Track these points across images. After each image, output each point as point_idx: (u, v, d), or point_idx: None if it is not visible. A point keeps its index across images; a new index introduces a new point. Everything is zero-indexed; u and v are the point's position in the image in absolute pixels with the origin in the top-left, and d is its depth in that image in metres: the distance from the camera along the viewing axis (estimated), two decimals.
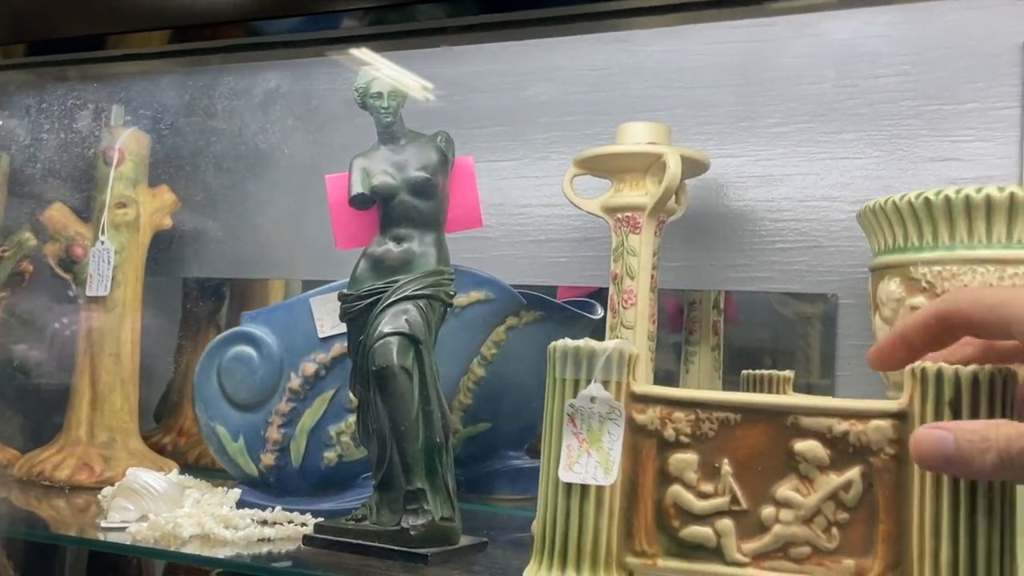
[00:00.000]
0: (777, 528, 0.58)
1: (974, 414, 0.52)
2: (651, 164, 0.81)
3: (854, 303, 0.87)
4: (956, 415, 0.53)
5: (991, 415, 0.52)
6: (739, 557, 0.59)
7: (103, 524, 0.76)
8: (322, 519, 0.81)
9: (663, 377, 0.99)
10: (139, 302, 1.04)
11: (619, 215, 0.83)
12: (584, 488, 0.61)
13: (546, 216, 1.03)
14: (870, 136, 0.87)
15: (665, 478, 0.61)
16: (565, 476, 0.62)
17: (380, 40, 0.92)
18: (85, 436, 0.99)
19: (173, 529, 0.72)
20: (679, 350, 1.02)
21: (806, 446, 0.58)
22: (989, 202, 0.64)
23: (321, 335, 0.85)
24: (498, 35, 0.95)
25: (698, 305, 1.01)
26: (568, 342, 0.66)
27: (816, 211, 0.89)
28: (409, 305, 0.68)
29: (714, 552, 0.59)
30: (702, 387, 0.98)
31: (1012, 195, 0.64)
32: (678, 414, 0.61)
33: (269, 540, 0.75)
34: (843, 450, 0.56)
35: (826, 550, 0.57)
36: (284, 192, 1.18)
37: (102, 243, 1.02)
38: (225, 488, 0.85)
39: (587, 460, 0.62)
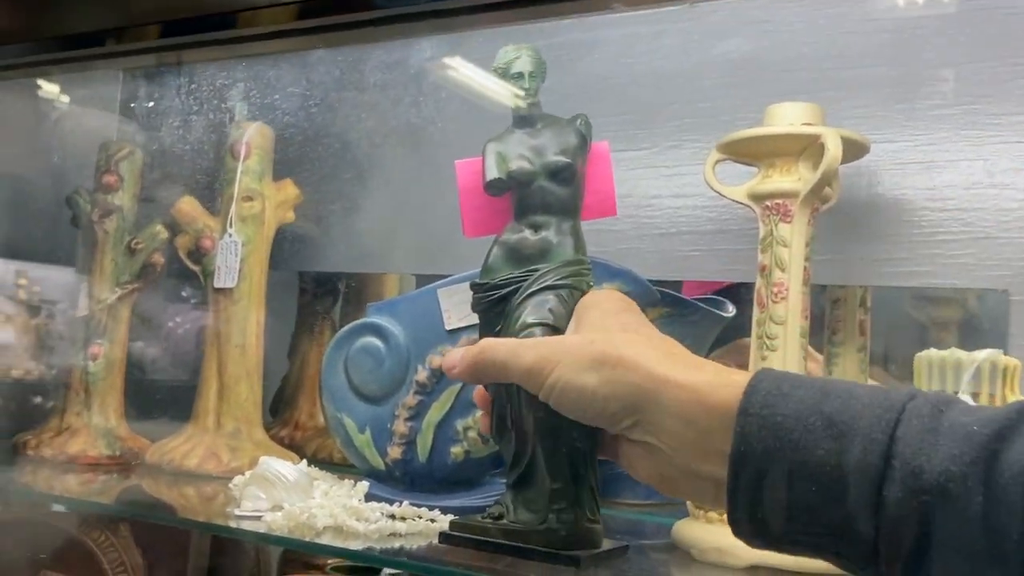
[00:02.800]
0: None
1: None
2: (805, 147, 0.76)
3: None
4: None
5: None
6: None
7: (237, 512, 0.75)
8: (453, 516, 0.78)
9: None
10: (263, 294, 1.04)
11: (768, 202, 0.78)
12: None
13: (677, 207, 0.98)
14: None
15: None
16: None
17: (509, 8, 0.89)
18: (212, 426, 0.99)
19: (307, 519, 0.70)
20: (820, 351, 0.96)
21: None
22: None
23: (448, 327, 0.82)
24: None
25: (842, 303, 0.95)
26: (936, 352, 0.64)
27: (984, 199, 0.82)
28: (550, 295, 0.64)
29: None
30: None
31: None
32: None
33: (400, 535, 0.72)
34: None
35: None
36: (398, 187, 1.17)
37: (230, 236, 1.02)
38: (352, 481, 0.83)
39: None
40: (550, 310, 0.61)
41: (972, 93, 0.84)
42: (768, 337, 0.76)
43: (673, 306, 1.01)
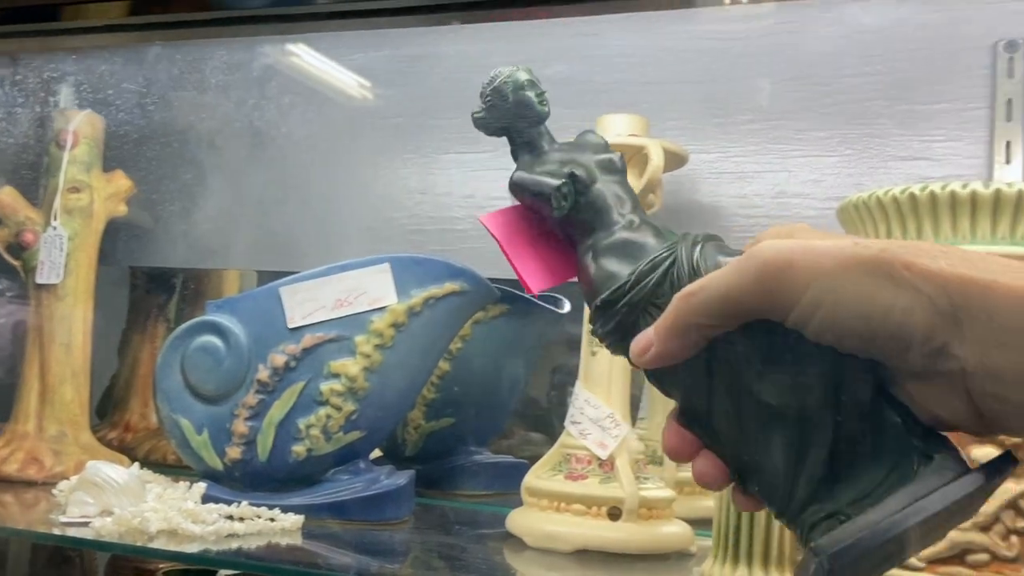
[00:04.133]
0: (954, 534, 0.58)
1: None
2: (632, 156, 0.81)
3: None
4: None
5: None
6: (915, 562, 0.59)
7: (62, 519, 0.72)
8: (295, 514, 0.79)
9: (633, 373, 0.99)
10: (91, 291, 1.00)
11: None
12: None
13: None
14: (842, 134, 0.89)
15: None
16: None
17: (350, 18, 0.90)
18: (34, 429, 0.95)
19: (140, 524, 0.69)
20: None
21: (983, 453, 0.58)
22: (974, 198, 0.66)
23: (291, 326, 0.82)
24: (465, 16, 0.94)
25: None
26: None
27: (788, 207, 0.91)
28: (710, 246, 0.51)
29: None
30: None
31: (998, 191, 0.65)
32: None
33: (238, 535, 0.72)
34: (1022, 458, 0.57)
35: (1005, 558, 0.57)
36: (239, 183, 1.15)
37: (54, 229, 0.97)
38: (188, 483, 0.81)
39: None
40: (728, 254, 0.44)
41: (779, 110, 0.92)
42: None
43: (512, 303, 1.05)
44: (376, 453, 1.04)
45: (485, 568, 0.72)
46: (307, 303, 0.82)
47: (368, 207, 1.09)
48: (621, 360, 0.80)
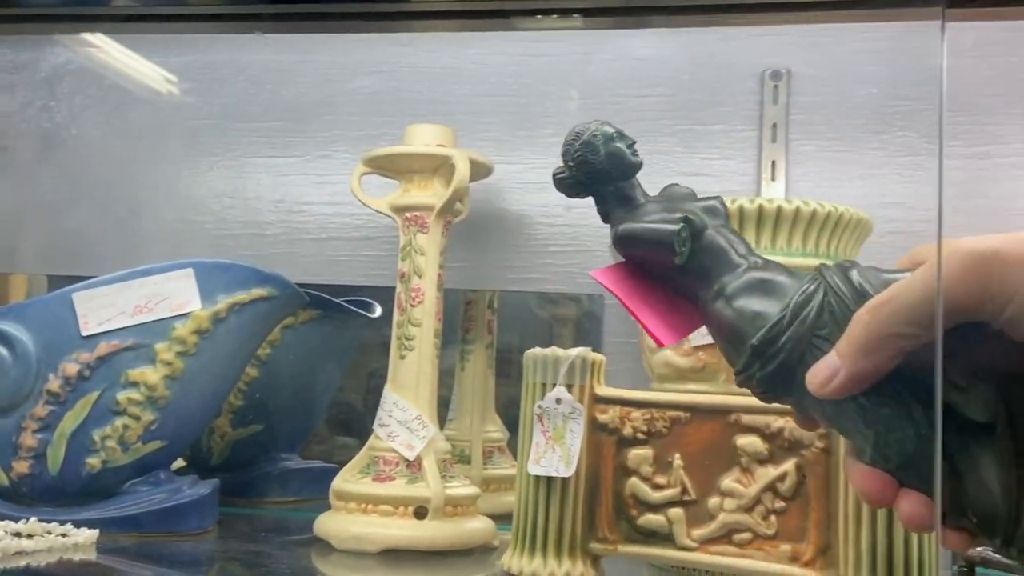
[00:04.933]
0: (722, 516, 0.64)
1: None
2: (440, 166, 0.84)
3: (618, 304, 0.94)
4: None
5: None
6: (688, 543, 0.65)
7: None
8: (89, 528, 0.76)
9: (441, 375, 1.02)
10: None
11: (407, 214, 0.85)
12: (551, 481, 0.67)
13: (328, 214, 1.02)
14: None
15: (624, 471, 0.67)
16: (533, 470, 0.67)
17: (151, 21, 0.88)
18: None
19: None
20: (454, 349, 1.05)
21: (747, 441, 0.64)
22: (742, 212, 0.73)
23: (84, 333, 0.79)
24: (281, 27, 0.94)
25: (474, 304, 1.05)
26: (539, 350, 0.70)
27: (586, 217, 0.96)
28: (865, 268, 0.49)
29: (667, 538, 0.65)
30: (477, 384, 1.02)
31: (761, 206, 0.72)
32: (635, 413, 0.68)
33: (26, 553, 0.69)
34: (779, 444, 0.63)
35: (765, 536, 0.63)
36: (28, 181, 1.09)
37: None
38: None
39: (552, 455, 0.67)
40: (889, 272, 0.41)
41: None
42: (407, 338, 0.83)
43: (322, 308, 1.05)
44: (180, 463, 1.01)
45: (290, 573, 0.72)
46: (103, 309, 0.79)
47: (173, 210, 1.06)
48: (428, 363, 0.83)
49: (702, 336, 0.73)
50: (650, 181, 0.94)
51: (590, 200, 0.98)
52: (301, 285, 0.97)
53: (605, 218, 0.55)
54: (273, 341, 1.05)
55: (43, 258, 1.06)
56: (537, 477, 0.68)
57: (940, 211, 0.48)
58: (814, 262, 0.72)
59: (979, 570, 0.67)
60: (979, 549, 0.66)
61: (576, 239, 0.97)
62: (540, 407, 0.69)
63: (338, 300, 1.04)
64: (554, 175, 0.56)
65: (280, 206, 1.02)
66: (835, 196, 0.89)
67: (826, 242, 0.74)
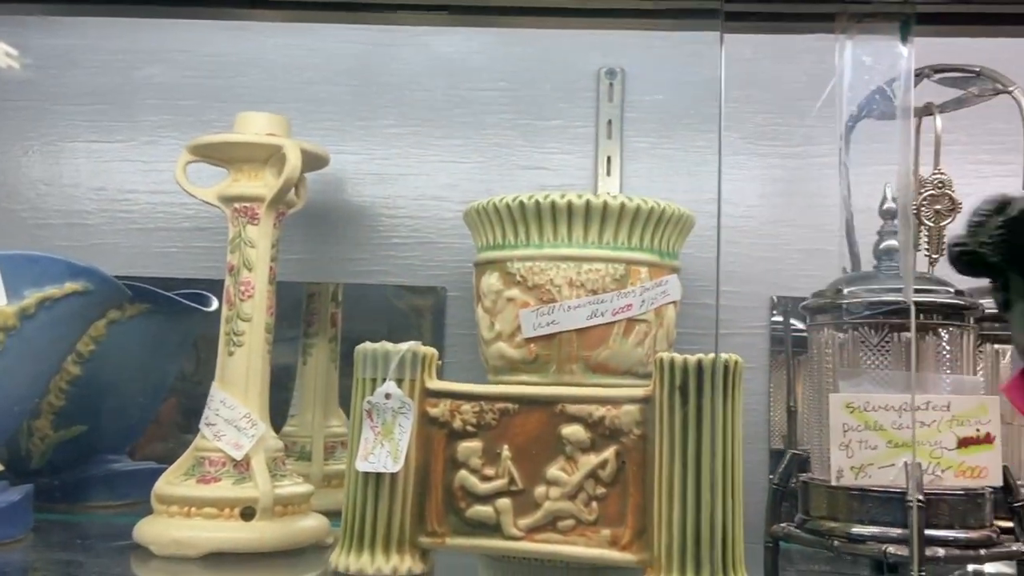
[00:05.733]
0: (547, 504, 0.65)
1: (699, 398, 0.61)
2: (271, 155, 0.81)
3: (461, 295, 0.94)
4: (684, 399, 0.61)
5: (714, 398, 0.61)
6: (515, 532, 0.66)
7: None
8: None
9: (281, 370, 0.99)
10: None
11: (236, 205, 0.82)
12: (379, 476, 0.66)
13: (154, 204, 0.97)
14: (475, 143, 0.96)
15: (454, 464, 0.67)
16: (361, 466, 0.67)
17: None
18: None
19: None
20: (296, 343, 1.03)
21: (571, 430, 0.66)
22: (570, 207, 0.74)
23: None
24: (105, 9, 0.89)
25: (317, 297, 1.03)
26: (369, 345, 0.69)
27: (428, 209, 0.95)
28: None
29: (494, 529, 0.66)
30: (319, 378, 1.00)
31: (588, 202, 0.74)
32: (465, 406, 0.68)
33: None
34: (601, 433, 0.65)
35: (587, 522, 0.64)
36: None
37: None
38: None
39: (380, 451, 0.67)
40: None
41: (419, 117, 0.97)
42: (235, 333, 0.80)
43: (152, 301, 1.00)
44: None
45: None
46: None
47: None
48: (259, 359, 0.81)
49: (533, 328, 0.74)
50: (498, 173, 0.95)
51: (436, 191, 0.97)
52: (127, 278, 0.92)
53: (1004, 307, 0.51)
54: (97, 337, 1.00)
55: None
56: (366, 473, 0.67)
57: (719, 204, 0.50)
58: (639, 256, 0.75)
59: (782, 544, 0.71)
60: (783, 525, 0.69)
61: (418, 231, 0.96)
62: (369, 402, 0.68)
63: (168, 293, 0.99)
64: (951, 246, 0.51)
65: (102, 194, 0.97)
66: (666, 191, 0.92)
67: (650, 236, 0.76)
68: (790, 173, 0.91)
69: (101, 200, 0.97)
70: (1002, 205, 0.51)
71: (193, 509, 0.75)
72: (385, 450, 0.67)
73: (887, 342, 0.67)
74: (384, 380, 0.68)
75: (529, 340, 0.75)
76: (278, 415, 0.89)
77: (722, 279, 0.93)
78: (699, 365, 0.63)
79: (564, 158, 0.94)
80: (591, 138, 0.93)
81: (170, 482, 0.77)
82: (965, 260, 0.52)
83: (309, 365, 1.01)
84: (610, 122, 0.94)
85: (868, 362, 0.67)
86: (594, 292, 0.74)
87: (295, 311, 1.04)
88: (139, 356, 1.00)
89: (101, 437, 1.01)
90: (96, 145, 0.97)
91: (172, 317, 1.01)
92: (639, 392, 0.66)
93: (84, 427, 1.00)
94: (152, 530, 0.75)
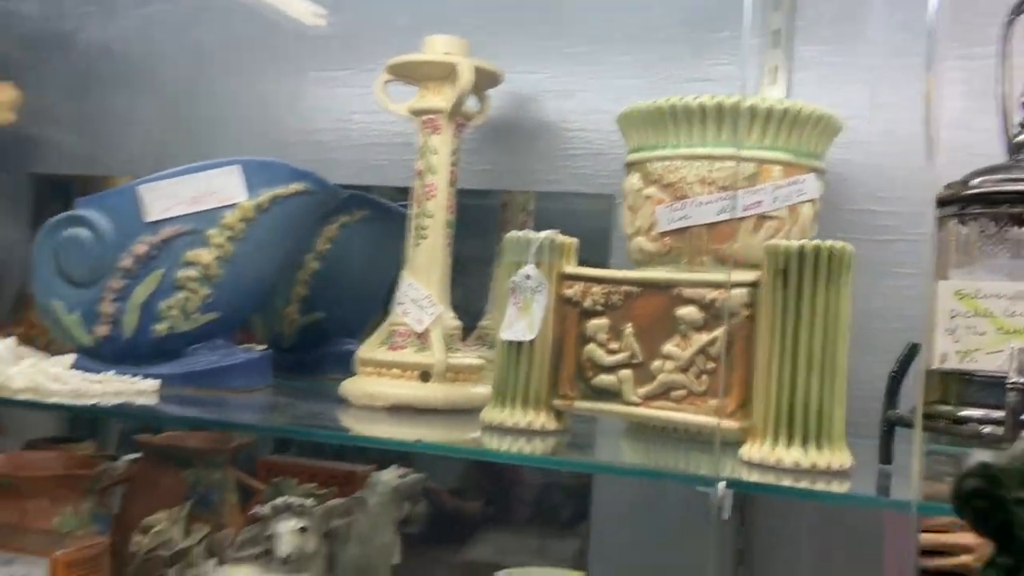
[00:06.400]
0: (662, 376, 0.74)
1: (799, 281, 0.65)
2: (449, 73, 0.93)
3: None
4: (786, 282, 0.66)
5: (816, 283, 0.64)
6: (634, 399, 0.75)
7: None
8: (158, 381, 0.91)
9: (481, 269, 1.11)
10: None
11: (423, 117, 0.95)
12: (520, 345, 0.78)
13: (369, 123, 1.13)
14: (644, 59, 1.01)
15: (583, 339, 0.77)
16: (504, 335, 0.79)
17: None
18: None
19: (4, 381, 0.81)
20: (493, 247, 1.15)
21: (686, 311, 0.73)
22: (703, 109, 0.79)
23: (149, 219, 0.93)
24: None
25: (509, 207, 1.15)
26: (515, 233, 0.80)
27: (600, 123, 1.03)
28: None
29: (616, 395, 0.75)
30: None
31: (719, 104, 0.78)
32: (595, 288, 0.77)
33: (96, 395, 0.85)
34: (713, 313, 0.72)
35: (697, 392, 0.72)
36: (132, 91, 1.24)
37: None
38: (64, 357, 0.93)
39: (520, 323, 0.77)
40: None
41: (593, 36, 1.04)
42: (421, 228, 0.94)
43: (371, 208, 1.17)
44: (261, 346, 1.16)
45: (307, 417, 0.85)
46: (165, 199, 0.94)
47: (239, 120, 1.19)
48: (440, 250, 0.94)
49: (667, 223, 0.81)
50: (663, 88, 1.00)
51: (608, 106, 1.04)
52: (352, 186, 1.09)
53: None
54: (332, 237, 1.19)
55: (131, 163, 1.21)
56: (509, 342, 0.78)
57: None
58: (771, 155, 0.78)
59: (897, 429, 0.72)
60: (896, 411, 0.71)
61: (590, 143, 1.04)
62: (513, 282, 0.79)
63: (384, 201, 1.16)
64: (966, 474, 0.42)
65: (328, 115, 1.14)
66: (834, 99, 0.92)
67: (785, 137, 0.79)
68: (970, 75, 0.88)
69: (329, 121, 1.15)
70: None
71: (383, 370, 0.90)
72: (523, 322, 0.77)
73: (1006, 233, 0.66)
74: (525, 263, 0.78)
75: (663, 234, 0.81)
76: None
77: (888, 185, 0.92)
78: (801, 251, 0.66)
79: (729, 69, 0.97)
80: (758, 48, 0.96)
81: (368, 349, 0.93)
82: (975, 506, 0.43)
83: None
84: (778, 31, 0.95)
85: (985, 252, 0.66)
86: (724, 189, 0.78)
87: (491, 218, 1.16)
88: (365, 254, 1.17)
89: (337, 322, 1.20)
90: (324, 74, 1.14)
91: (390, 221, 1.17)
92: (749, 277, 0.71)
93: (323, 314, 1.19)
94: (352, 386, 0.91)
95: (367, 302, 1.23)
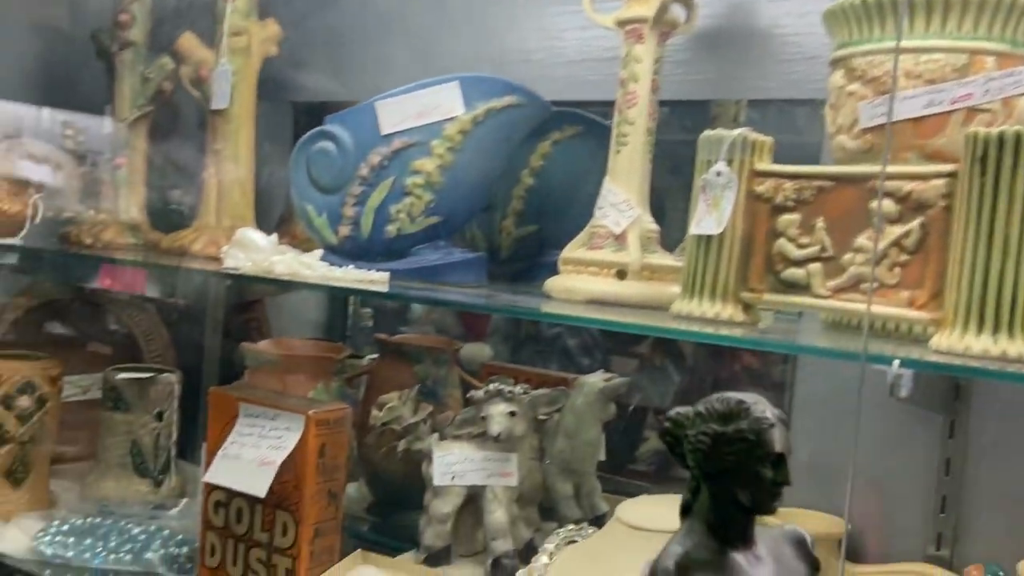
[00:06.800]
0: (852, 269, 0.74)
1: (998, 169, 0.63)
2: None
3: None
4: (983, 169, 0.64)
5: (1015, 170, 0.63)
6: (823, 291, 0.76)
7: (223, 269, 1.02)
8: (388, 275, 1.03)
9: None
10: (252, 115, 1.27)
11: (628, 27, 0.98)
12: (709, 239, 0.80)
13: (582, 39, 1.18)
14: None
15: (774, 234, 0.79)
16: (693, 230, 0.82)
17: None
18: (213, 221, 1.25)
19: (268, 267, 0.96)
20: None
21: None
22: (911, 2, 0.76)
23: (383, 132, 1.05)
24: None
25: (719, 119, 1.16)
26: (709, 132, 0.83)
27: (812, 26, 1.01)
28: None
29: (805, 288, 0.77)
30: None
31: None
32: (787, 184, 0.79)
33: (340, 278, 0.99)
34: (908, 206, 0.71)
35: (888, 284, 0.72)
36: (371, 23, 1.37)
37: (222, 65, 1.24)
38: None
39: (709, 218, 0.80)
40: None
41: None
42: (621, 135, 0.98)
43: (584, 124, 1.22)
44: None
45: (512, 304, 0.93)
46: (396, 114, 1.04)
47: (461, 41, 1.28)
48: (639, 156, 0.97)
49: (869, 119, 0.79)
50: None
51: (821, 7, 1.01)
52: (563, 103, 1.15)
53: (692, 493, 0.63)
54: (545, 154, 1.26)
55: (370, 88, 1.34)
56: (698, 236, 0.81)
57: None
58: (984, 45, 0.74)
59: None
60: None
61: (801, 47, 1.02)
62: (704, 179, 0.81)
63: (594, 116, 1.20)
64: (667, 416, 0.61)
65: (541, 34, 1.20)
66: None
67: (1000, 25, 0.75)
68: None
69: (541, 39, 1.21)
70: (728, 415, 0.57)
71: (582, 268, 0.96)
72: (712, 217, 0.80)
73: None
74: (717, 160, 0.80)
75: (865, 131, 0.80)
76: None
77: None
78: (1001, 137, 0.64)
79: None
80: None
81: (570, 249, 0.99)
82: (666, 440, 0.59)
83: None
84: None
85: None
86: (932, 82, 0.76)
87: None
88: (577, 169, 1.23)
89: (549, 234, 1.27)
90: None
91: (602, 137, 1.21)
92: (947, 168, 0.69)
93: (536, 226, 1.27)
94: (554, 282, 0.98)
95: (578, 215, 1.29)
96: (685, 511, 0.62)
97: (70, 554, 1.20)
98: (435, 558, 1.04)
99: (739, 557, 0.61)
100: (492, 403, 1.04)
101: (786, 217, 0.78)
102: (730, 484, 0.59)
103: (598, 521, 1.10)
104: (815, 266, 0.76)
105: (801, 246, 0.77)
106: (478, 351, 1.54)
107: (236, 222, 1.26)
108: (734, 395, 0.58)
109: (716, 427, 0.58)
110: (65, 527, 1.24)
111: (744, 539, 0.61)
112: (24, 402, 1.30)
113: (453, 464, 1.04)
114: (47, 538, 1.21)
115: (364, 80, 1.37)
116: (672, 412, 0.60)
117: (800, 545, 0.65)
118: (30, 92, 1.50)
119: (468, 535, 1.09)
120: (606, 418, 1.21)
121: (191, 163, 1.32)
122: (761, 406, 0.58)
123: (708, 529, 0.61)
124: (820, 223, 0.75)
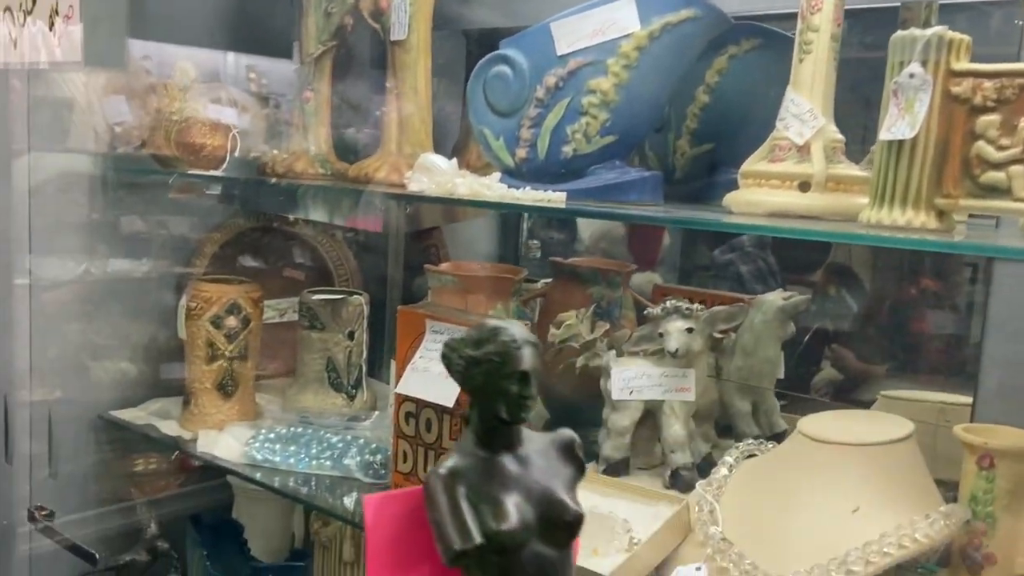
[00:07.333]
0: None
1: None
2: None
3: None
4: None
5: None
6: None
7: (407, 191, 1.07)
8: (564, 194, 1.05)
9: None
10: (429, 46, 1.31)
11: None
12: (900, 144, 0.78)
13: None
14: None
15: (972, 136, 0.76)
16: (883, 135, 0.79)
17: None
18: (395, 150, 1.31)
19: (451, 188, 1.00)
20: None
21: None
22: None
23: (559, 53, 1.06)
24: None
25: (907, 24, 1.09)
26: (900, 32, 0.78)
27: None
28: None
29: (1005, 192, 0.74)
30: None
31: None
32: (987, 83, 0.75)
33: (519, 200, 1.02)
34: None
35: None
36: None
37: None
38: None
39: (901, 122, 0.78)
40: None
41: None
42: (805, 43, 0.95)
43: (762, 37, 1.19)
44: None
45: (695, 217, 0.93)
46: (571, 35, 1.05)
47: None
48: (824, 64, 0.94)
49: None
50: None
51: None
52: (742, 17, 1.11)
53: (466, 421, 0.76)
54: (721, 70, 1.23)
55: (541, 12, 1.35)
56: (889, 142, 0.78)
57: None
58: None
59: None
60: None
61: None
62: (896, 82, 0.78)
63: (773, 27, 1.16)
64: (447, 343, 0.72)
65: None
66: None
67: None
68: None
69: None
70: (479, 340, 0.68)
71: (763, 181, 0.94)
72: (905, 121, 0.77)
73: None
74: (911, 62, 0.77)
75: None
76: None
77: None
78: None
79: None
80: None
81: (751, 163, 0.98)
82: (444, 363, 0.69)
83: None
84: None
85: None
86: None
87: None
88: (755, 84, 1.20)
89: (725, 154, 1.25)
90: None
91: (781, 53, 1.17)
92: None
93: (711, 145, 1.25)
94: (734, 197, 0.97)
95: (755, 134, 1.26)
96: (465, 423, 0.72)
97: (277, 459, 1.32)
98: (614, 469, 1.08)
99: (507, 460, 0.72)
100: (669, 320, 1.05)
101: (985, 118, 0.73)
102: (487, 399, 0.69)
103: (777, 438, 1.10)
104: (1017, 168, 0.71)
105: (1001, 148, 0.72)
106: (647, 280, 1.55)
107: (417, 149, 1.31)
108: (491, 322, 0.70)
109: (469, 351, 0.69)
110: (272, 435, 1.36)
111: (508, 445, 0.72)
112: (231, 322, 1.43)
113: (631, 379, 1.06)
114: (256, 444, 1.34)
115: (532, 5, 1.38)
116: (448, 339, 0.72)
117: (567, 448, 0.75)
118: (221, 38, 1.61)
119: (646, 449, 1.12)
120: (785, 336, 1.19)
121: (372, 96, 1.38)
122: (513, 331, 0.68)
123: (476, 438, 0.72)
124: (1023, 123, 0.71)
